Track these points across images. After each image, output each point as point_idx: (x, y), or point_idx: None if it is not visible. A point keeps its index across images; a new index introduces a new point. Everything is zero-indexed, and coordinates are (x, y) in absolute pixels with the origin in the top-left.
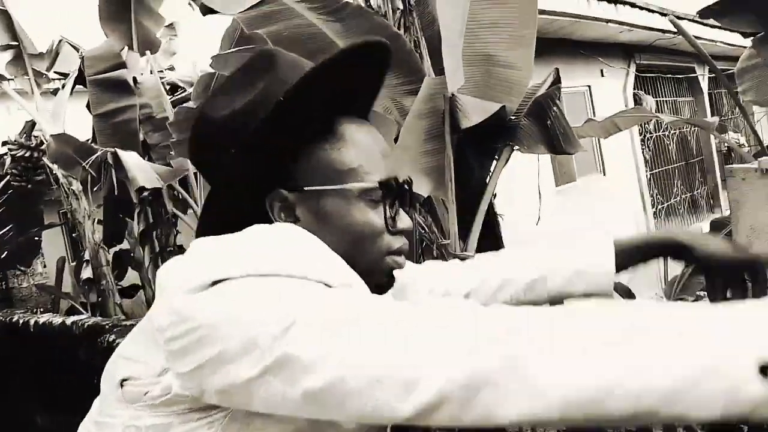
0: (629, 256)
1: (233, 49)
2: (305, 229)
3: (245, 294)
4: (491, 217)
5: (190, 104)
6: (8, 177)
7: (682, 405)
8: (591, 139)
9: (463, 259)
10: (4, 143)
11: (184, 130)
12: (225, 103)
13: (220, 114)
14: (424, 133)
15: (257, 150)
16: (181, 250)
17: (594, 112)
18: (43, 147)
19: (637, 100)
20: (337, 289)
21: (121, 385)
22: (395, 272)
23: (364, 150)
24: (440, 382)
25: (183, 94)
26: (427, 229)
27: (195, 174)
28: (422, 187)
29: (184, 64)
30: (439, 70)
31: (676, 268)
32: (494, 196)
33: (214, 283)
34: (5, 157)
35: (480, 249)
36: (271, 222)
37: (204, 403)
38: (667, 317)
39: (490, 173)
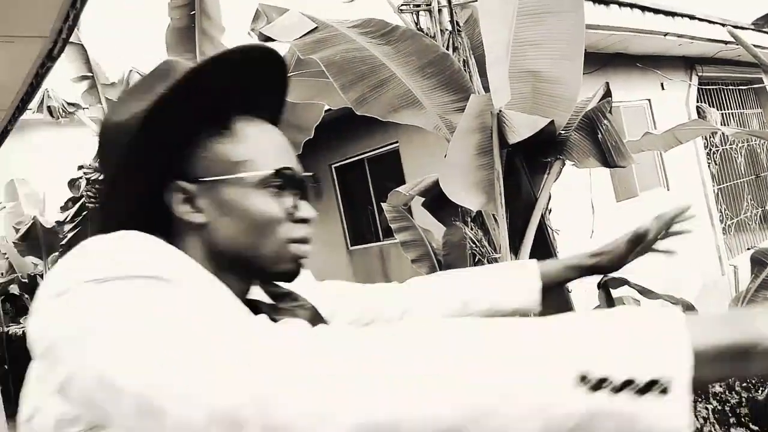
0: (555, 275)
1: (289, 74)
2: (209, 221)
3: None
4: (544, 232)
5: None
6: (83, 199)
7: (495, 423)
8: (654, 153)
9: None
10: (80, 167)
11: None
12: (124, 107)
13: (120, 118)
14: (473, 149)
15: (149, 143)
16: None
17: (655, 126)
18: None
19: (701, 113)
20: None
21: None
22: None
23: (257, 144)
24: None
25: None
26: (477, 244)
27: None
28: (472, 202)
29: None
30: (487, 88)
31: (745, 281)
32: (549, 211)
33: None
34: (81, 180)
35: None
36: (171, 217)
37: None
38: (486, 336)
39: (541, 187)
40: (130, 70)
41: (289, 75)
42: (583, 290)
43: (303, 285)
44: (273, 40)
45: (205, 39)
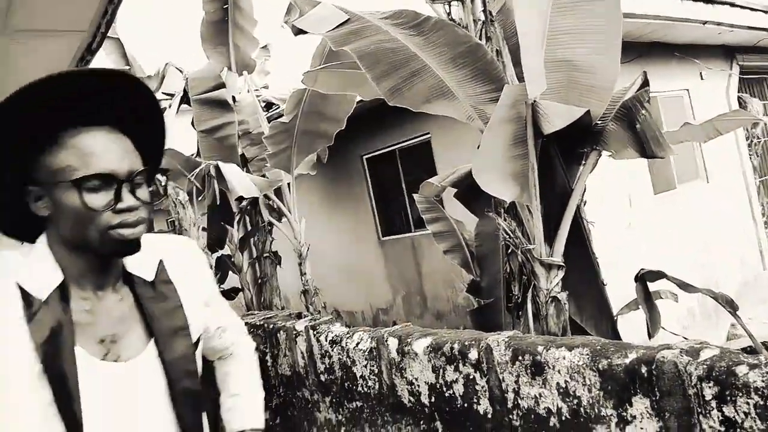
0: None
1: (321, 66)
2: (51, 214)
3: None
4: (579, 224)
5: (283, 119)
6: None
7: None
8: (693, 145)
9: (548, 265)
10: None
11: (278, 143)
12: None
13: None
14: (507, 139)
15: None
16: (275, 255)
17: (694, 117)
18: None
19: (742, 104)
20: None
21: None
22: None
23: (75, 151)
24: None
25: (278, 110)
26: (511, 235)
27: (288, 185)
28: (506, 193)
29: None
30: (521, 78)
31: None
32: (584, 202)
33: None
34: None
35: (567, 254)
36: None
37: None
38: None
39: (576, 179)
40: (166, 63)
41: (126, 85)
42: (619, 283)
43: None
44: (305, 32)
45: (238, 32)
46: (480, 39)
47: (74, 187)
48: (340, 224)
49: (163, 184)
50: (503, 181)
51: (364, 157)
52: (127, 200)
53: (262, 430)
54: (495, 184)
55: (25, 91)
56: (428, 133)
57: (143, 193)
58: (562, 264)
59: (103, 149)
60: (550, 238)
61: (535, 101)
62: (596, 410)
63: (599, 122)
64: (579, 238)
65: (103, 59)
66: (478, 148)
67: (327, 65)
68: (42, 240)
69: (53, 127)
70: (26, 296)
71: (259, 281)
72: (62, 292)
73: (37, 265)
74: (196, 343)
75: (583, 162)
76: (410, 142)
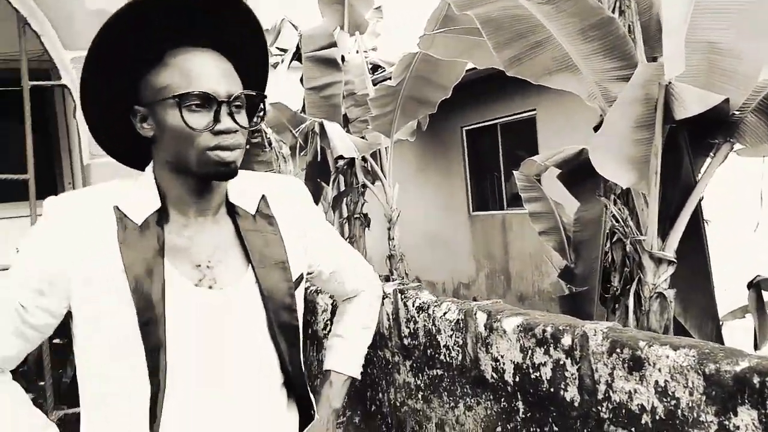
0: None
1: (438, 30)
2: (155, 134)
3: None
4: (698, 220)
5: (390, 82)
6: None
7: None
8: None
9: (659, 259)
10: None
11: (382, 106)
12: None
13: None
14: (632, 121)
15: (94, 74)
16: (365, 218)
17: None
18: (262, 113)
19: None
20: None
21: None
22: None
23: (179, 70)
24: None
25: (383, 74)
26: (622, 223)
27: (386, 149)
28: (623, 178)
29: (386, 46)
30: (651, 58)
31: None
32: (701, 198)
33: None
34: None
35: (681, 252)
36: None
37: None
38: None
39: (702, 171)
40: (282, 18)
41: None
42: (729, 289)
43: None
44: None
45: None
46: (613, 12)
47: (175, 105)
48: (432, 194)
49: (267, 135)
50: (621, 165)
51: (464, 128)
52: (225, 122)
53: (350, 378)
54: (612, 167)
55: (133, 8)
56: (534, 110)
57: (242, 117)
58: (674, 260)
59: (204, 70)
60: (663, 230)
61: (669, 83)
62: (695, 414)
63: (737, 112)
64: (695, 234)
65: None
66: (594, 129)
67: (443, 30)
68: (149, 168)
69: (159, 46)
70: (122, 220)
71: (348, 241)
72: (159, 218)
73: (138, 192)
74: (297, 281)
75: (712, 154)
76: (513, 118)
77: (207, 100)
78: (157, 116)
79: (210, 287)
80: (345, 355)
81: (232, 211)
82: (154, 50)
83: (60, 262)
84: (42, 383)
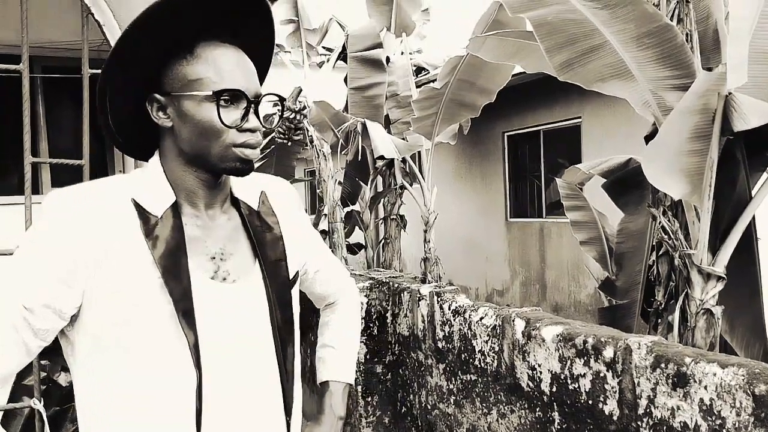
0: None
1: (489, 33)
2: (174, 125)
3: None
4: (751, 236)
5: (435, 84)
6: (274, 133)
7: None
8: None
9: (708, 275)
10: (275, 105)
11: (425, 108)
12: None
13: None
14: (688, 132)
15: (122, 61)
16: (402, 219)
17: None
18: (305, 111)
19: None
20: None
21: None
22: None
23: (213, 65)
24: None
25: (426, 76)
26: (672, 235)
27: (426, 150)
28: (675, 189)
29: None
30: (707, 68)
31: None
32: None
33: None
34: (274, 116)
35: (730, 268)
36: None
37: None
38: None
39: (759, 186)
40: (330, 18)
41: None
42: None
43: (292, 219)
44: None
45: None
46: (671, 19)
47: (207, 99)
48: (469, 198)
49: (309, 133)
50: (675, 176)
51: (506, 134)
52: (252, 121)
53: (347, 384)
54: (664, 178)
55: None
56: (579, 117)
57: (259, 117)
58: (724, 276)
59: (237, 67)
60: (714, 245)
61: (730, 93)
62: None
63: None
64: (746, 251)
65: (275, 8)
66: (646, 138)
67: (494, 32)
68: (154, 159)
69: (193, 39)
70: (142, 212)
71: (383, 241)
72: (175, 210)
73: (150, 184)
74: (294, 279)
75: None
76: (558, 125)
77: (239, 97)
78: (183, 108)
79: (224, 279)
80: (340, 364)
81: (236, 205)
82: (186, 41)
83: (82, 252)
84: None
